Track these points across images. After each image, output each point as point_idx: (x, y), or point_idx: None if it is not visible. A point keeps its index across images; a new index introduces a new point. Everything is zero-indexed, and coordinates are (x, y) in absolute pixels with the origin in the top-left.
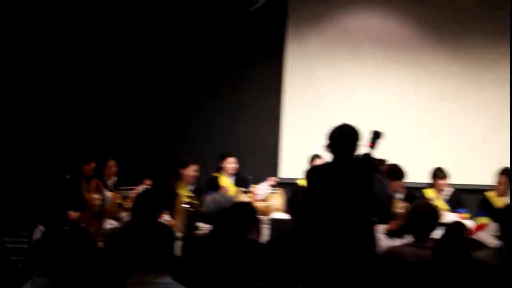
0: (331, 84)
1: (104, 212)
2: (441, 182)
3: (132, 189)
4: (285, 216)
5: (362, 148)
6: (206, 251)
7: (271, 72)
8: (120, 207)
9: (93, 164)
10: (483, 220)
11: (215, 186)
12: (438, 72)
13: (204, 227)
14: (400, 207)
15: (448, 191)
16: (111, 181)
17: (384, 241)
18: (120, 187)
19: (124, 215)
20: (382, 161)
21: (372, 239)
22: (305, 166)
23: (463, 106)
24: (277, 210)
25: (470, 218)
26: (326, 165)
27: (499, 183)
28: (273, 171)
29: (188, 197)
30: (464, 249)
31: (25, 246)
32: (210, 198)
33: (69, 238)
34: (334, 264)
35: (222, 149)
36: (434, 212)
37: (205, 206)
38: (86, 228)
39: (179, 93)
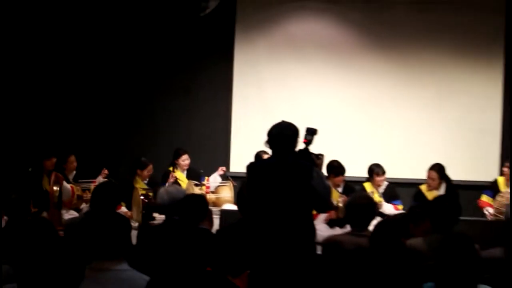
0: (276, 85)
1: (62, 202)
2: (378, 178)
3: (91, 182)
4: (234, 207)
5: (300, 144)
6: (160, 239)
7: (222, 74)
8: (80, 198)
9: (54, 159)
10: None
11: None
12: (373, 73)
13: (158, 218)
14: (339, 200)
15: (384, 184)
16: (71, 175)
17: (326, 231)
18: (80, 180)
19: (84, 206)
20: (318, 156)
21: (311, 229)
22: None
23: (396, 104)
24: (227, 201)
25: (404, 209)
26: (267, 160)
27: (430, 178)
28: (225, 165)
29: (144, 189)
30: (398, 237)
31: None
32: (163, 190)
33: (31, 227)
34: (277, 252)
35: (178, 145)
36: (371, 203)
37: (159, 198)
38: (47, 218)
39: (137, 94)
